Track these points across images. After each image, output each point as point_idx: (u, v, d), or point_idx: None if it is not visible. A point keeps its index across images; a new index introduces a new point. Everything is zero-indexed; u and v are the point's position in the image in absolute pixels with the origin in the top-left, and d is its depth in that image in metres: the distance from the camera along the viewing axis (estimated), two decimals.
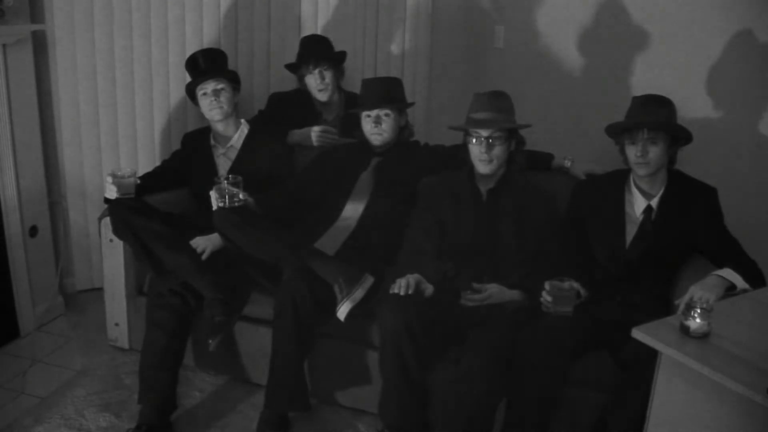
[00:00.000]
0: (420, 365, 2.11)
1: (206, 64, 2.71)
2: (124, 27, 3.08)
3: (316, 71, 2.94)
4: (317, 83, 2.95)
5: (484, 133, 2.28)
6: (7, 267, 2.85)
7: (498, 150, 2.29)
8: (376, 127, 2.55)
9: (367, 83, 2.63)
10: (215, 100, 2.69)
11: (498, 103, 2.32)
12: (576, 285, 2.11)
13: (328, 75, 2.96)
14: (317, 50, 2.96)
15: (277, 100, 3.11)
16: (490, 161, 2.30)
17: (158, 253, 2.46)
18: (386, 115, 2.56)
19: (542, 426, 2.07)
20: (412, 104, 2.71)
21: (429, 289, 2.18)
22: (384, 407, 2.21)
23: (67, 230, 3.21)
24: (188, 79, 2.78)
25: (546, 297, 2.10)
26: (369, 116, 2.56)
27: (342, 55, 3.04)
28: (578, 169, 2.60)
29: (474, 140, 2.30)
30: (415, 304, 2.10)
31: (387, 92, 2.58)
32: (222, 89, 2.69)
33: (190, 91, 2.76)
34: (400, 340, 2.07)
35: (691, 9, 2.85)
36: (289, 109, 3.04)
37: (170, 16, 3.12)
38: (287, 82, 3.21)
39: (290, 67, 3.06)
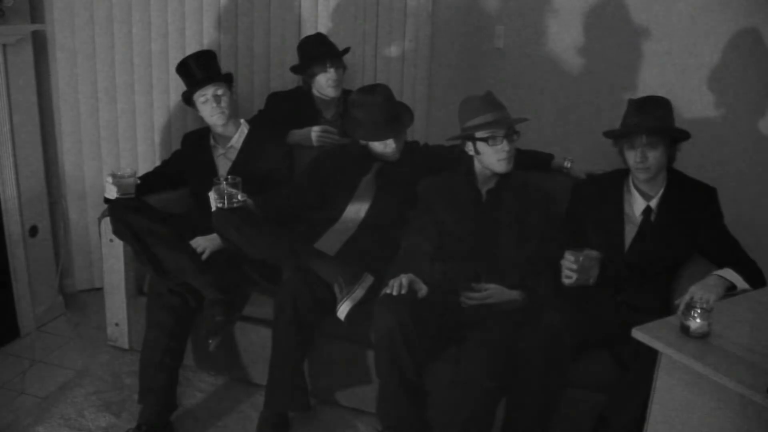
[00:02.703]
0: (415, 365, 2.11)
1: (202, 72, 2.68)
2: (124, 27, 3.08)
3: (332, 69, 2.94)
4: (332, 80, 2.95)
5: (501, 132, 2.27)
6: (7, 267, 2.85)
7: (513, 146, 2.30)
8: (396, 146, 2.53)
9: (367, 110, 2.52)
10: (217, 106, 2.68)
11: (497, 102, 2.32)
12: (595, 253, 2.09)
13: (340, 72, 2.98)
14: (331, 49, 2.97)
15: (275, 99, 3.10)
16: (511, 158, 2.29)
17: (158, 253, 2.46)
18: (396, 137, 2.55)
19: (542, 426, 2.07)
20: (413, 121, 2.67)
21: (423, 289, 2.18)
22: (381, 407, 2.21)
23: (67, 230, 3.21)
24: None
25: (570, 266, 2.08)
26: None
27: (347, 51, 3.06)
28: (578, 170, 2.61)
29: (490, 141, 2.27)
30: (408, 304, 2.10)
31: (396, 113, 2.55)
32: (222, 94, 2.69)
33: (187, 98, 2.75)
34: (394, 340, 2.07)
35: (691, 9, 2.85)
36: (288, 108, 3.04)
37: (170, 16, 3.12)
38: (287, 82, 3.21)
39: (298, 68, 3.05)
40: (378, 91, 2.56)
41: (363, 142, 2.57)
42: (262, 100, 3.17)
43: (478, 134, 2.28)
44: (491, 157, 2.30)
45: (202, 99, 2.68)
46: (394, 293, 2.12)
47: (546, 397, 2.05)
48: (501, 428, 2.10)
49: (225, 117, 2.71)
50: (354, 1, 3.30)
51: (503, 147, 2.27)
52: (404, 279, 2.15)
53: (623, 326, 1.70)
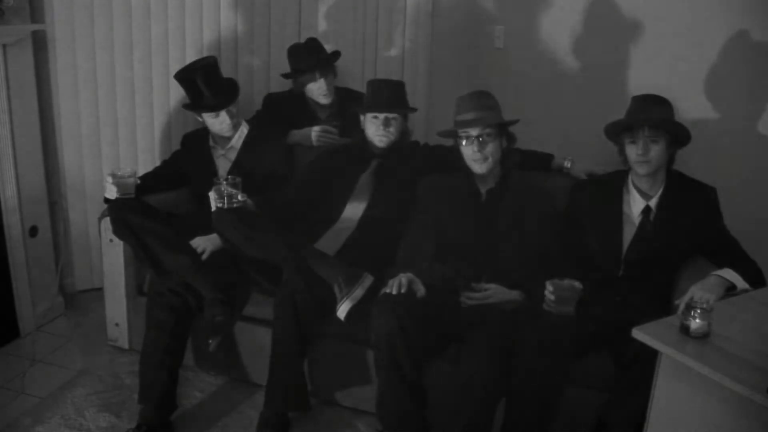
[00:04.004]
0: (414, 364, 2.11)
1: (215, 99, 2.65)
2: (124, 27, 3.07)
3: (321, 79, 2.94)
4: (323, 90, 2.96)
5: (474, 132, 2.28)
6: (7, 267, 2.85)
7: (490, 147, 2.29)
8: (384, 129, 2.55)
9: (375, 85, 2.61)
10: (230, 121, 2.69)
11: (482, 102, 2.32)
12: (577, 284, 2.11)
13: (330, 79, 2.98)
14: (320, 59, 2.96)
15: (271, 100, 3.11)
16: (485, 159, 2.30)
17: (158, 253, 2.46)
18: (394, 118, 2.56)
19: (542, 426, 2.07)
20: (415, 110, 2.70)
21: (421, 290, 2.18)
22: (381, 408, 2.21)
23: (67, 230, 3.21)
24: None
25: (549, 296, 2.10)
26: (377, 117, 2.56)
27: (338, 56, 3.05)
28: (578, 170, 2.61)
29: (464, 142, 2.29)
30: (407, 304, 2.10)
31: (396, 95, 2.58)
32: (231, 109, 2.69)
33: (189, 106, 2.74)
34: (393, 340, 2.07)
35: (690, 9, 2.85)
36: (284, 109, 3.04)
37: (170, 16, 3.12)
38: (287, 83, 3.21)
39: (289, 75, 3.05)
40: (391, 80, 2.68)
41: (362, 116, 2.60)
42: (261, 101, 3.17)
43: (455, 130, 2.32)
44: (467, 157, 2.32)
45: (213, 115, 2.67)
46: (393, 292, 2.12)
47: (546, 397, 2.05)
48: (501, 428, 2.10)
49: (234, 126, 2.71)
50: (354, 1, 3.30)
51: (473, 148, 2.27)
52: (403, 279, 2.15)
53: (623, 326, 1.69)
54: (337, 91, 3.05)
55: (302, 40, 3.13)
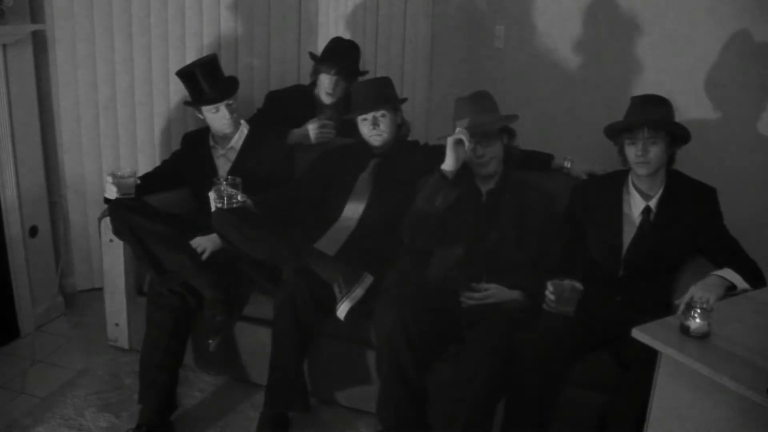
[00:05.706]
0: (416, 365, 2.11)
1: (214, 92, 2.64)
2: (124, 27, 3.07)
3: (334, 78, 2.95)
4: (329, 88, 2.97)
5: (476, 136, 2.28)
6: (7, 267, 2.84)
7: (492, 150, 2.30)
8: (374, 128, 2.56)
9: (358, 87, 2.62)
10: (230, 117, 2.68)
11: (479, 105, 2.33)
12: (578, 285, 2.11)
13: (341, 85, 2.98)
14: (344, 61, 2.97)
15: (274, 98, 3.11)
16: (490, 160, 2.30)
17: (158, 253, 2.46)
18: (382, 115, 2.56)
19: (542, 426, 2.07)
20: (405, 100, 2.71)
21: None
22: (382, 408, 2.21)
23: (67, 230, 3.21)
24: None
25: (549, 296, 2.10)
26: (366, 119, 2.56)
27: (363, 74, 3.06)
28: (578, 170, 2.61)
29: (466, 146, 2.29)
30: (411, 304, 2.10)
31: (380, 93, 2.58)
32: (231, 104, 2.69)
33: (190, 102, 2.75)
34: (396, 340, 2.08)
35: (690, 9, 2.85)
36: (287, 106, 3.04)
37: (170, 15, 3.12)
38: (287, 81, 3.21)
39: (313, 56, 3.06)
40: (373, 78, 2.66)
41: (355, 119, 2.60)
42: (261, 100, 3.17)
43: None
44: (470, 160, 2.32)
45: (212, 110, 2.67)
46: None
47: (545, 397, 2.05)
48: (501, 428, 2.10)
49: (234, 123, 2.71)
50: (354, 2, 3.30)
51: (475, 152, 2.28)
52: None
53: (623, 326, 1.69)
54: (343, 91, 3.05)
55: (302, 41, 3.14)
